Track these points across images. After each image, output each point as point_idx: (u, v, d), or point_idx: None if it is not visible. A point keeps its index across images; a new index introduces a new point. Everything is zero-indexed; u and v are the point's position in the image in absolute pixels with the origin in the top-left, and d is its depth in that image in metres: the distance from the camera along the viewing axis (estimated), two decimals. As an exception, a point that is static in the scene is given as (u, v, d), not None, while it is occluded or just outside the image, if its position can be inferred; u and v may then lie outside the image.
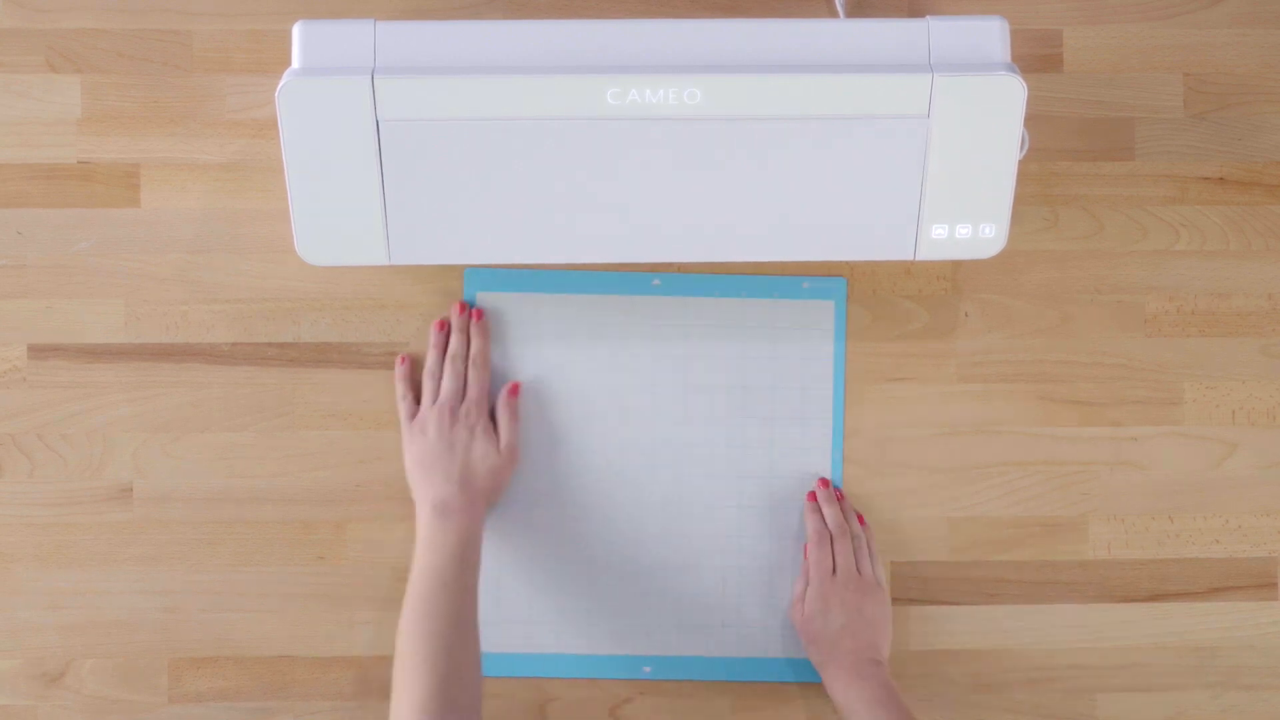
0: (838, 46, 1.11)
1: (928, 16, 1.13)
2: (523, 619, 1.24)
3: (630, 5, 1.25)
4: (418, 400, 1.23)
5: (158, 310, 1.24)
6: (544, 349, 1.24)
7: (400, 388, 1.23)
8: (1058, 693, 1.27)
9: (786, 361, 1.25)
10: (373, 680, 1.25)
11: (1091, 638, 1.27)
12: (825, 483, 1.24)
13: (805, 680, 1.24)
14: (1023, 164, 1.23)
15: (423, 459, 1.19)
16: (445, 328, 1.23)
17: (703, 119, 1.11)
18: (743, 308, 1.25)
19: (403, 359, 1.23)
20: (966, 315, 1.26)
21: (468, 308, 1.23)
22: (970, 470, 1.27)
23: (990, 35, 1.12)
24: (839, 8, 1.23)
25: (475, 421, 1.20)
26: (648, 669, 1.25)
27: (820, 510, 1.23)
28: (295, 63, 1.10)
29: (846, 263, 1.25)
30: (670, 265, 1.24)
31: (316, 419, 1.25)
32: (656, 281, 1.24)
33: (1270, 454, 1.27)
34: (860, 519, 1.24)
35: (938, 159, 1.13)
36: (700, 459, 1.25)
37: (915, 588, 1.27)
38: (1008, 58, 1.12)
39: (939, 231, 1.17)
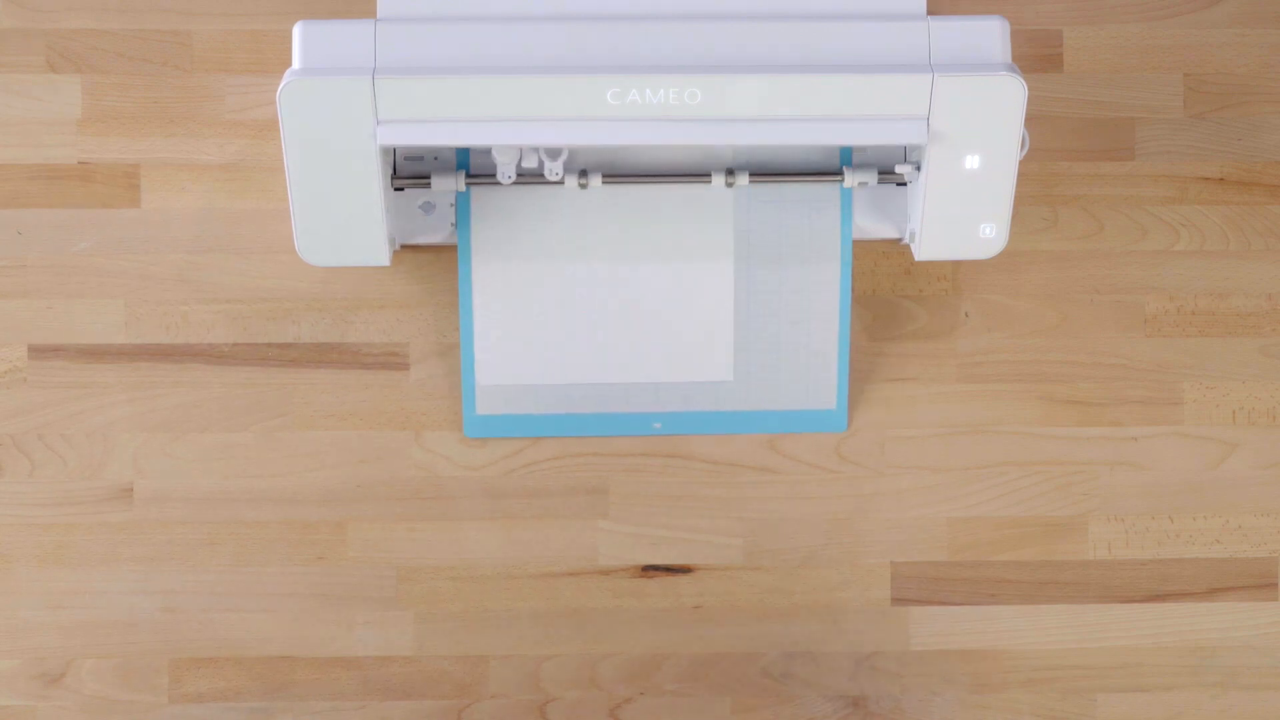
0: (838, 46, 1.11)
1: (928, 16, 1.13)
2: (530, 383, 1.23)
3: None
4: None
5: (158, 310, 1.24)
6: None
7: None
8: (1058, 693, 1.27)
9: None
10: (373, 681, 1.26)
11: (1091, 638, 1.27)
12: None
13: (814, 430, 1.24)
14: (1023, 164, 1.23)
15: None
16: None
17: (703, 119, 1.11)
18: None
19: None
20: (966, 315, 1.26)
21: None
22: (970, 470, 1.27)
23: (990, 35, 1.12)
24: None
25: None
26: (658, 425, 1.24)
27: None
28: (296, 63, 1.10)
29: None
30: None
31: (316, 419, 1.25)
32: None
33: (1270, 454, 1.27)
34: None
35: (938, 159, 1.13)
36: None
37: (915, 588, 1.27)
38: (1008, 58, 1.12)
39: (940, 231, 1.17)
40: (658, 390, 1.23)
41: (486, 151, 1.19)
